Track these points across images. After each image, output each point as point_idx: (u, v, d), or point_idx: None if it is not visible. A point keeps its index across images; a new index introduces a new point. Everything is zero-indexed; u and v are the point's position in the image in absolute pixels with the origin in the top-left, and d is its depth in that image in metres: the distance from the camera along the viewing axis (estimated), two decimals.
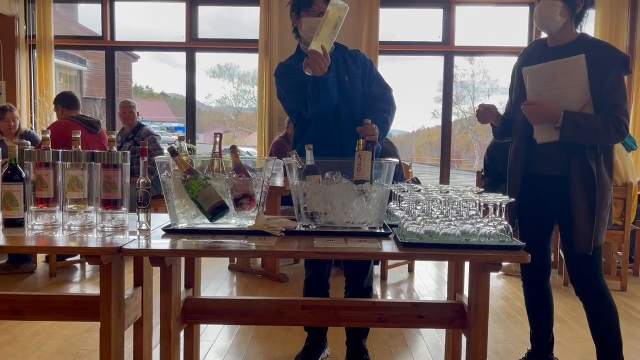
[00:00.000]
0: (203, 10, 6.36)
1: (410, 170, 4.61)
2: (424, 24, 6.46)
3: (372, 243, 1.75)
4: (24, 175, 1.89)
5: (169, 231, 1.85)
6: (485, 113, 2.30)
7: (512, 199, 1.87)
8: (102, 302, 1.73)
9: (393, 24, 6.32)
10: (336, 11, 2.10)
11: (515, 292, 3.90)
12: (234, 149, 1.93)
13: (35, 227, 1.84)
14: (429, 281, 4.24)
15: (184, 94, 6.45)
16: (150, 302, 2.12)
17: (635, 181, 3.87)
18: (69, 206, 1.87)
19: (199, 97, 7.35)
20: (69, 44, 6.71)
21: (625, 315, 3.41)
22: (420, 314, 2.10)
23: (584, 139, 2.09)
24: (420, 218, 1.80)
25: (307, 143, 1.95)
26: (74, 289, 3.87)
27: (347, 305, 2.14)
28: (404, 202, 2.03)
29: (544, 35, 2.29)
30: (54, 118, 5.14)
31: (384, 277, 4.17)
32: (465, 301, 2.02)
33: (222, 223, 1.88)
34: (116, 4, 6.33)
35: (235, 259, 4.42)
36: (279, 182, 4.03)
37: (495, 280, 4.23)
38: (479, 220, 1.77)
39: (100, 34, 6.34)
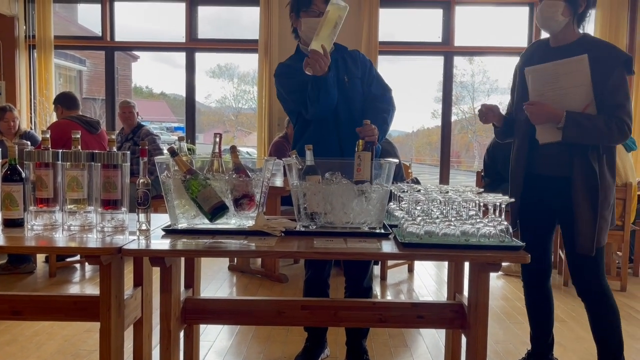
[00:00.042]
0: (203, 11, 6.36)
1: (410, 171, 4.61)
2: (424, 24, 6.46)
3: (371, 243, 1.75)
4: (23, 175, 1.89)
5: (169, 231, 1.85)
6: (487, 113, 2.30)
7: (512, 199, 1.86)
8: (102, 303, 1.73)
9: (393, 24, 6.32)
10: (336, 11, 2.10)
11: (515, 292, 3.90)
12: (233, 149, 1.93)
13: (35, 227, 1.84)
14: (428, 281, 4.24)
15: (184, 94, 6.45)
16: (150, 302, 2.12)
17: (635, 181, 3.87)
18: (69, 206, 1.87)
19: (199, 98, 7.35)
20: (68, 44, 6.70)
21: (625, 316, 3.41)
22: (420, 314, 2.10)
23: (587, 140, 2.09)
24: (420, 218, 1.80)
25: (307, 143, 1.95)
26: (74, 289, 3.87)
27: (347, 306, 2.14)
28: (403, 202, 2.03)
29: (545, 35, 2.29)
30: (54, 118, 5.14)
31: (383, 277, 4.17)
32: (465, 301, 2.02)
33: (222, 223, 1.88)
34: (116, 4, 6.33)
35: (235, 259, 4.42)
36: (278, 182, 4.03)
37: (495, 280, 4.23)
38: (478, 220, 1.77)
39: (100, 34, 6.34)
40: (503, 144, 2.49)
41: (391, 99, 2.42)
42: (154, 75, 10.78)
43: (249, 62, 9.98)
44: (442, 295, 3.80)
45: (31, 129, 5.92)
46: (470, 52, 6.63)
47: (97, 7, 6.28)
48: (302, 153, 1.95)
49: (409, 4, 6.34)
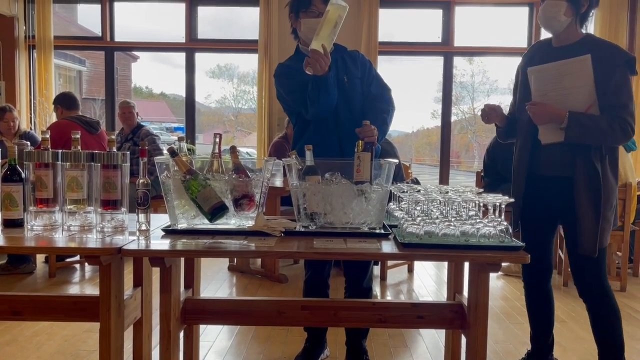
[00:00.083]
0: (203, 11, 6.36)
1: (409, 171, 4.61)
2: (424, 25, 6.46)
3: (371, 243, 1.75)
4: (23, 175, 1.89)
5: (169, 232, 1.85)
6: (490, 113, 2.30)
7: (512, 200, 1.86)
8: (101, 303, 1.73)
9: (392, 24, 6.32)
10: (336, 10, 2.10)
11: (515, 293, 3.90)
12: (233, 150, 1.93)
13: (34, 227, 1.85)
14: (428, 282, 4.24)
15: (184, 95, 6.45)
16: (149, 302, 2.12)
17: (634, 181, 3.87)
18: (69, 207, 1.87)
19: (199, 98, 7.35)
20: (68, 45, 6.70)
21: (625, 316, 3.40)
22: (419, 315, 2.10)
23: (589, 140, 2.08)
24: (419, 219, 1.80)
25: (307, 143, 1.95)
26: (74, 290, 3.87)
27: (347, 306, 2.15)
28: (403, 202, 2.03)
29: (545, 35, 2.28)
30: (54, 118, 5.14)
31: (383, 277, 4.17)
32: (465, 302, 2.02)
33: (222, 223, 1.88)
34: (116, 4, 6.33)
35: (235, 259, 4.42)
36: (278, 182, 4.04)
37: (495, 280, 4.23)
38: (478, 220, 1.77)
39: (100, 34, 6.34)
40: (503, 144, 2.49)
41: (391, 99, 2.42)
42: (154, 76, 10.78)
43: (248, 63, 9.98)
44: (442, 296, 3.80)
45: (31, 129, 5.92)
46: (470, 52, 6.63)
47: (97, 7, 6.28)
48: (302, 153, 1.95)
49: (408, 4, 6.34)
